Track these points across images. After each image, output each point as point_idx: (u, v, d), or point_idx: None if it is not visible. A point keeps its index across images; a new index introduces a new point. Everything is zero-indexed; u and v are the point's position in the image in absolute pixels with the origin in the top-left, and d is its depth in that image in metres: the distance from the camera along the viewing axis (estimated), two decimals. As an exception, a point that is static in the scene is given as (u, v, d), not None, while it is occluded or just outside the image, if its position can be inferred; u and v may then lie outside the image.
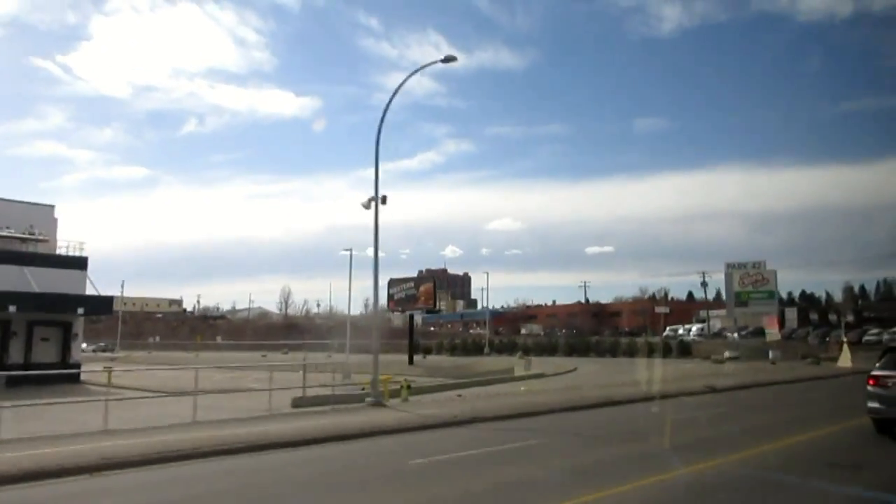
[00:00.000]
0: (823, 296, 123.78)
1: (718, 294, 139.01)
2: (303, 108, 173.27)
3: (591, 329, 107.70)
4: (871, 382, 12.75)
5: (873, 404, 12.54)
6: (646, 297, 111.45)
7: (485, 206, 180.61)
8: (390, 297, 52.30)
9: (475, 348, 63.13)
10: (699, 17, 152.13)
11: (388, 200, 16.25)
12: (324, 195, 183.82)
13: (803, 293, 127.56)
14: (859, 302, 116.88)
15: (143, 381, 29.82)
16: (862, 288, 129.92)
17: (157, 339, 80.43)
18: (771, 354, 45.01)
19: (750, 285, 49.92)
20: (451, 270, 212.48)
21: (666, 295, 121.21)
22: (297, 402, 18.06)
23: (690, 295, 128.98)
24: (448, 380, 36.91)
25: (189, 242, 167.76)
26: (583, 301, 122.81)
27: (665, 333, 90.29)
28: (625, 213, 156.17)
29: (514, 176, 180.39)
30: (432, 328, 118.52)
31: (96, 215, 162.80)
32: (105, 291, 33.99)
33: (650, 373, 33.04)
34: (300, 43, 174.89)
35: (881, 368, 12.89)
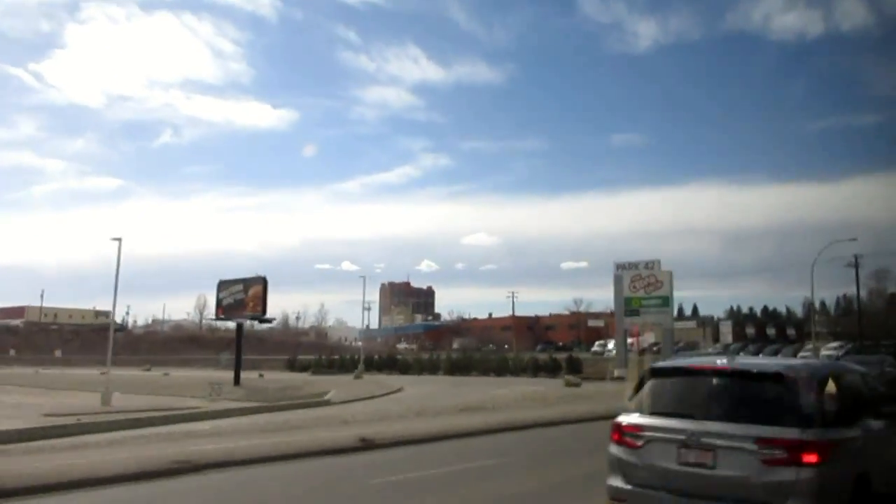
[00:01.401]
0: (785, 311, 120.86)
1: (681, 309, 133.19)
2: (280, 120, 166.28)
3: (523, 343, 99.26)
4: (615, 437, 6.24)
5: (615, 481, 6.06)
6: (579, 309, 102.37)
7: (460, 220, 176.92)
8: (219, 302, 42.62)
9: (352, 365, 53.65)
10: (674, 35, 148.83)
11: None
12: (300, 208, 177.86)
13: (765, 308, 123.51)
14: (816, 317, 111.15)
15: None
16: (822, 304, 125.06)
17: (12, 352, 70.45)
18: (617, 372, 36.05)
19: (642, 290, 40.62)
20: (414, 283, 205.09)
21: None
22: None
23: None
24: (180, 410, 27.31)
25: (162, 255, 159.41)
26: (537, 314, 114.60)
27: (593, 349, 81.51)
28: (600, 228, 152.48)
29: (490, 190, 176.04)
30: (358, 342, 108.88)
31: (67, 226, 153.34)
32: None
33: (438, 401, 23.74)
34: (278, 55, 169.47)
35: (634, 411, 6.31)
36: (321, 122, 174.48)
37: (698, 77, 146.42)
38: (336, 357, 57.57)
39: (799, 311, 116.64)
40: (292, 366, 57.77)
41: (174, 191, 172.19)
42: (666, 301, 39.94)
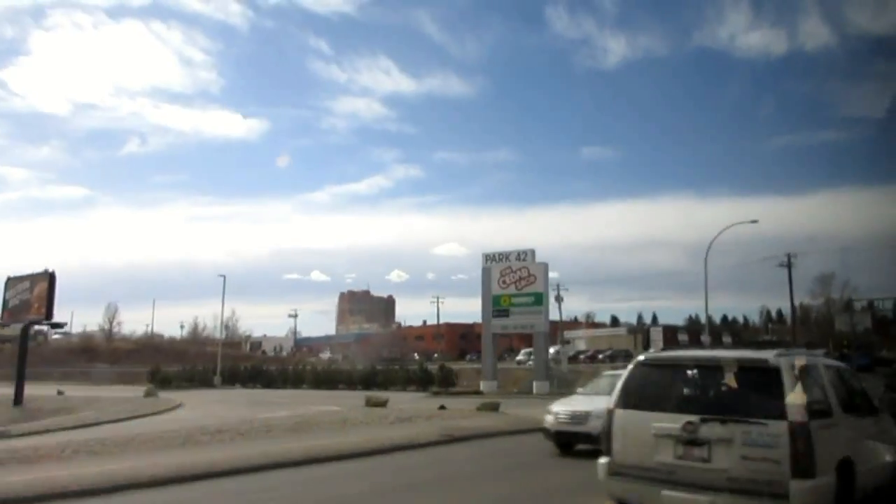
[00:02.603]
0: (742, 320, 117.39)
1: (640, 317, 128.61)
2: (250, 130, 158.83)
3: (454, 352, 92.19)
4: None
5: None
6: None
7: (432, 231, 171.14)
8: (5, 303, 34.45)
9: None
10: (642, 52, 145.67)
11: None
12: (269, 219, 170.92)
13: (724, 317, 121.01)
14: (769, 326, 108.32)
15: None
16: (779, 312, 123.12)
17: None
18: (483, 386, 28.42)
19: (512, 285, 33.28)
20: (375, 293, 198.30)
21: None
22: None
23: (615, 319, 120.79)
24: None
25: (128, 264, 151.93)
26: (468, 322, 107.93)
27: (518, 357, 74.51)
28: (570, 240, 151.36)
29: (461, 202, 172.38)
30: (273, 354, 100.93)
31: (31, 235, 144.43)
32: None
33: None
34: (248, 64, 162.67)
35: None
36: (292, 132, 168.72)
37: (666, 93, 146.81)
38: (200, 368, 49.58)
39: (757, 319, 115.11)
40: (153, 378, 49.69)
41: (141, 200, 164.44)
42: (539, 299, 32.60)
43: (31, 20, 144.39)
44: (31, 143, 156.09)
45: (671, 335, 66.70)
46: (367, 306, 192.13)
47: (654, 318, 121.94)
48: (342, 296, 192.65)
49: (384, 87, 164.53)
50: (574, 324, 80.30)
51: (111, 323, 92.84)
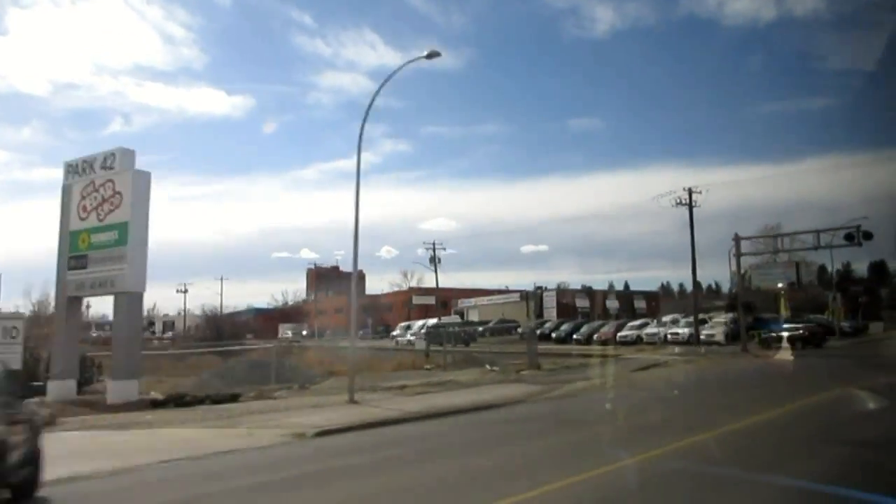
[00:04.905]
0: (715, 286, 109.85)
1: (611, 285, 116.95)
2: (235, 107, 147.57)
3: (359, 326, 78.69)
4: None
5: None
6: (410, 283, 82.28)
7: (421, 205, 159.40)
8: None
9: None
10: (630, 20, 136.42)
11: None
12: (257, 197, 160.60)
13: (698, 284, 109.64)
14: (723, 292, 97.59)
15: None
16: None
17: None
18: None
19: (93, 213, 19.05)
20: (343, 268, 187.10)
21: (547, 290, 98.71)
22: None
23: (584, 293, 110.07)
24: None
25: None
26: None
27: (394, 332, 60.63)
28: (559, 211, 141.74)
29: (450, 176, 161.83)
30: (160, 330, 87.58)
31: (12, 219, 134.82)
32: None
33: None
34: (231, 40, 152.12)
35: None
36: (277, 108, 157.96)
37: (654, 62, 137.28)
38: None
39: (725, 286, 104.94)
40: None
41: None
42: (124, 235, 18.13)
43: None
44: (11, 125, 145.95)
45: (570, 299, 52.13)
46: (335, 282, 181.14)
47: (627, 286, 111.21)
48: (309, 272, 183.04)
49: (370, 60, 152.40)
50: (473, 291, 65.88)
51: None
